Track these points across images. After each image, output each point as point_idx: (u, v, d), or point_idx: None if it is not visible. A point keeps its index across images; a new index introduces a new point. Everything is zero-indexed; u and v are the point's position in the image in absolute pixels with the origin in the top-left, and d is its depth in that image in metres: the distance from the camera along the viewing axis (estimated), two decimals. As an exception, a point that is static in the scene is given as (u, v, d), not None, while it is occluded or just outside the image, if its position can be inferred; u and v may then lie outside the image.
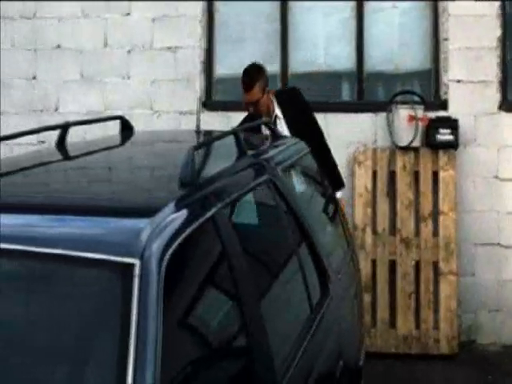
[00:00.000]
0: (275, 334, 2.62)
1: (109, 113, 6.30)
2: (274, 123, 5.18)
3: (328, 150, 5.29)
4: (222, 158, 3.26)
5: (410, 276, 5.97)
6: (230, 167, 3.04)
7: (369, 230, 6.03)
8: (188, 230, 2.28)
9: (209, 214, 2.46)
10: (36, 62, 6.46)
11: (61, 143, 3.34)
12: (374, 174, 6.11)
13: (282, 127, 5.18)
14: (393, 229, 6.05)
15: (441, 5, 6.21)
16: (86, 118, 6.16)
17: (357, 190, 6.07)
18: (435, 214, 6.01)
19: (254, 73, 5.20)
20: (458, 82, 6.16)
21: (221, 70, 6.44)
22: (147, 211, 2.26)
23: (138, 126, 6.39)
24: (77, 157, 3.23)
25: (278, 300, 2.97)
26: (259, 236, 3.12)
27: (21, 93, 6.46)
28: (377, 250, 6.02)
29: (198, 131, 3.66)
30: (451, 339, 5.87)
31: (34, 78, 6.46)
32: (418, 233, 6.02)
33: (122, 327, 1.97)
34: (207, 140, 3.04)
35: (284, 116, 5.23)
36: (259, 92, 5.13)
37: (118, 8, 6.35)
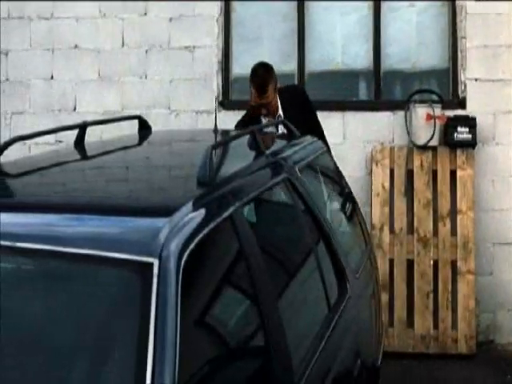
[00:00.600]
0: (293, 334, 2.61)
1: (126, 112, 6.32)
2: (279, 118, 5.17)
3: (329, 151, 5.24)
4: (240, 158, 3.26)
5: (428, 275, 5.94)
6: (247, 166, 3.04)
7: (386, 229, 6.01)
8: (206, 230, 2.28)
9: (226, 213, 2.46)
10: (54, 62, 6.48)
11: (79, 143, 3.35)
12: (392, 172, 6.10)
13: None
14: (410, 228, 6.03)
15: (458, 3, 6.18)
16: (103, 117, 6.18)
17: (374, 189, 6.06)
18: (453, 213, 5.99)
19: (265, 74, 5.03)
20: (476, 80, 6.13)
21: (238, 69, 6.44)
22: (165, 211, 2.26)
23: (155, 125, 6.40)
24: (95, 156, 3.24)
25: (296, 299, 2.96)
26: (277, 235, 3.12)
27: (38, 93, 6.49)
28: (394, 250, 6.00)
29: (215, 130, 3.66)
30: (469, 339, 5.84)
31: (52, 77, 6.49)
32: (435, 232, 5.99)
33: (141, 326, 1.97)
34: (225, 139, 3.04)
35: (284, 114, 5.11)
36: (273, 93, 5.01)
37: (135, 8, 6.37)
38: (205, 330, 2.26)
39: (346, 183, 4.41)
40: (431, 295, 5.92)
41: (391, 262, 6.00)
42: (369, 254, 4.24)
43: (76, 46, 6.45)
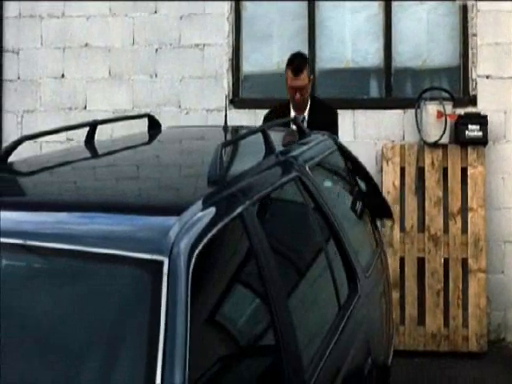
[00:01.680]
0: (303, 332, 2.61)
1: (137, 111, 6.33)
2: (303, 120, 5.19)
3: None
4: (250, 156, 3.26)
5: (439, 273, 5.93)
6: (257, 165, 3.03)
7: (397, 227, 6.00)
8: (216, 228, 2.27)
9: (236, 211, 2.46)
10: (64, 61, 6.50)
11: (89, 141, 3.35)
12: (402, 170, 6.09)
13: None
14: (421, 226, 6.02)
15: (469, 1, 6.16)
16: (113, 115, 6.20)
17: (385, 187, 6.05)
18: (464, 210, 5.97)
19: (302, 59, 5.30)
20: (487, 77, 6.11)
21: (248, 67, 6.44)
22: (175, 209, 2.27)
23: (165, 123, 6.43)
24: (105, 155, 3.25)
25: (306, 298, 2.96)
26: (287, 233, 3.11)
27: (49, 91, 6.51)
28: (405, 247, 5.99)
29: (225, 127, 3.66)
30: (480, 337, 5.83)
31: (63, 76, 6.51)
32: (446, 230, 5.98)
33: (151, 324, 1.97)
34: (235, 137, 3.04)
35: (309, 119, 5.21)
36: (306, 77, 5.19)
37: (145, 6, 6.38)
38: (215, 329, 2.26)
39: (357, 181, 4.39)
40: (442, 293, 5.90)
41: (402, 260, 5.99)
42: (380, 252, 4.23)
43: (87, 45, 6.47)
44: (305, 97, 5.20)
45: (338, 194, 4.07)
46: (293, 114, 5.23)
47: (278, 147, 3.38)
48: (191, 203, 2.29)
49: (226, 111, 3.80)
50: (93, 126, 3.38)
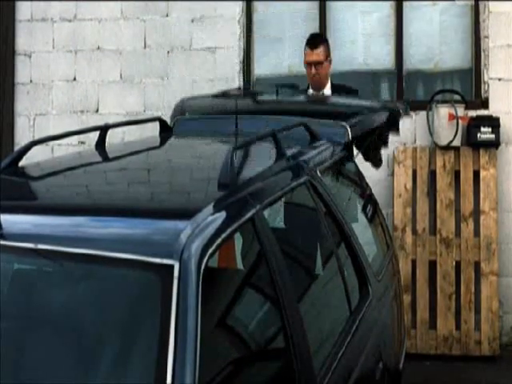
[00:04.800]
0: (314, 337, 2.61)
1: (148, 113, 6.35)
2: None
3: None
4: (261, 159, 3.25)
5: (451, 276, 5.91)
6: (268, 168, 3.02)
7: (409, 230, 5.98)
8: (227, 232, 2.27)
9: (247, 215, 2.45)
10: (76, 64, 6.52)
11: (100, 145, 3.36)
12: (414, 173, 6.07)
13: None
14: (433, 229, 6.00)
15: (481, 2, 6.15)
16: (125, 118, 6.21)
17: (396, 190, 6.04)
18: (476, 213, 5.95)
19: (320, 36, 5.46)
20: (499, 80, 6.09)
21: (259, 69, 6.44)
22: (186, 213, 2.27)
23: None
24: (116, 158, 3.25)
25: (317, 302, 2.95)
26: (298, 238, 3.10)
27: (61, 94, 6.54)
28: (417, 250, 5.98)
29: (236, 132, 3.66)
30: (492, 340, 5.81)
31: (75, 79, 6.53)
32: (458, 233, 5.96)
33: (162, 328, 1.98)
34: (246, 141, 3.04)
35: None
36: (323, 54, 5.28)
37: (157, 9, 6.40)
38: (225, 333, 2.26)
39: (367, 184, 4.39)
40: (454, 296, 5.88)
41: (414, 262, 5.97)
42: (391, 256, 4.22)
43: (98, 48, 6.49)
44: (321, 74, 5.26)
45: (348, 197, 4.06)
46: (310, 91, 5.26)
47: (290, 151, 3.38)
48: (202, 207, 2.29)
49: (236, 114, 3.79)
50: (104, 129, 3.38)
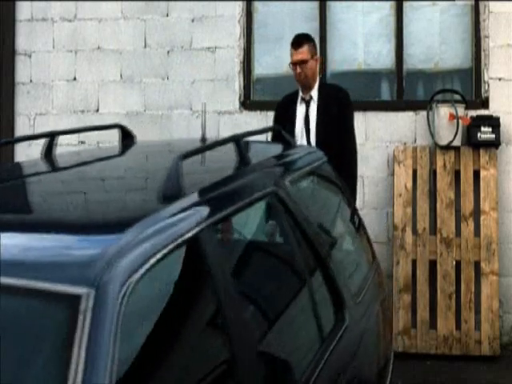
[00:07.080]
0: (271, 374, 2.28)
1: (148, 113, 6.35)
2: (307, 104, 5.17)
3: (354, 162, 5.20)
4: (219, 169, 2.92)
5: (451, 276, 5.91)
6: (226, 178, 2.65)
7: (409, 230, 5.98)
8: (162, 252, 1.92)
9: (192, 232, 2.09)
10: (76, 64, 6.53)
11: (47, 153, 3.05)
12: (414, 173, 6.07)
13: (313, 111, 5.16)
14: (433, 228, 6.00)
15: (481, 2, 6.14)
16: (125, 118, 6.21)
17: (396, 190, 6.04)
18: (476, 213, 5.95)
19: (303, 36, 5.34)
20: (500, 79, 6.09)
21: (260, 69, 6.44)
22: (114, 228, 1.95)
23: (177, 126, 6.45)
24: (58, 169, 2.96)
25: (277, 333, 2.54)
26: (257, 257, 2.76)
27: (62, 94, 6.54)
28: (417, 250, 5.98)
29: (203, 139, 3.34)
30: (493, 340, 5.81)
31: (75, 79, 6.53)
32: (458, 232, 5.96)
33: (66, 373, 1.62)
34: (197, 148, 2.64)
35: (318, 105, 5.18)
36: (308, 53, 5.21)
37: (157, 9, 6.40)
38: (149, 372, 1.84)
39: (352, 195, 4.09)
40: (454, 296, 5.88)
41: (414, 262, 5.97)
42: (376, 268, 3.87)
43: (99, 48, 6.49)
44: (307, 73, 5.19)
45: (326, 209, 3.67)
46: (301, 94, 5.23)
47: (255, 158, 3.02)
48: (134, 222, 1.94)
49: (203, 117, 3.58)
50: (51, 137, 3.07)
